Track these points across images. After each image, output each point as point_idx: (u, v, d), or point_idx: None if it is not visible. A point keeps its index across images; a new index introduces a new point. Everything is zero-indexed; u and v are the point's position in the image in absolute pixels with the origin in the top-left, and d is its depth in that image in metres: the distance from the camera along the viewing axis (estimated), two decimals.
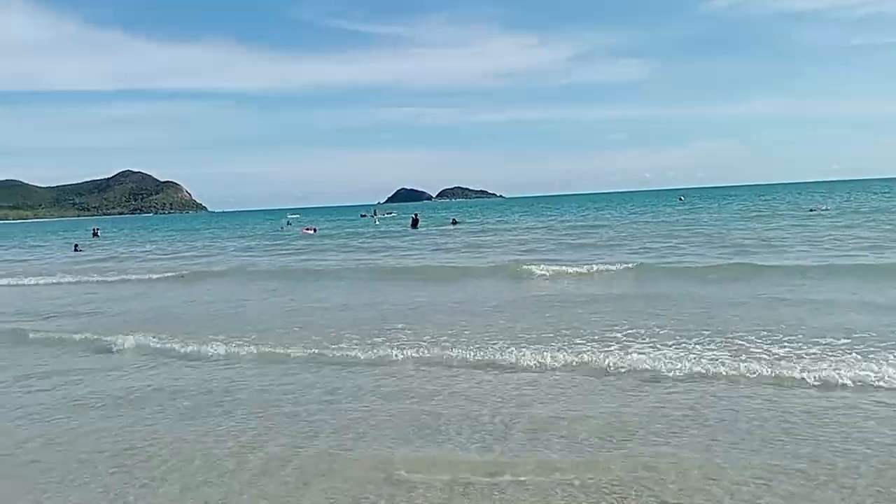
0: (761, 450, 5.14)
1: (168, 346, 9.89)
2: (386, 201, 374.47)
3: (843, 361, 7.09)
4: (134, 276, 21.30)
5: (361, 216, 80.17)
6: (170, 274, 21.34)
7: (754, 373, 7.01)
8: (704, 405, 6.23)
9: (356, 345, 9.20)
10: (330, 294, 15.31)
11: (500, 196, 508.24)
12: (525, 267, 17.37)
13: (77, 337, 10.92)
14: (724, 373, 7.11)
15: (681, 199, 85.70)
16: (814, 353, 7.53)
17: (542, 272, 16.73)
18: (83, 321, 13.10)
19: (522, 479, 4.85)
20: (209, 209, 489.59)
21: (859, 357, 7.21)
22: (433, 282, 16.83)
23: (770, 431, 5.51)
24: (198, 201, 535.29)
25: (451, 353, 8.43)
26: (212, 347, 9.52)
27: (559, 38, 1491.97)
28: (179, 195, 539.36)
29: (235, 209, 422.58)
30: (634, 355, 7.88)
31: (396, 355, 8.56)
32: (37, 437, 6.30)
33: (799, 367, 6.99)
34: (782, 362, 7.25)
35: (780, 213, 41.46)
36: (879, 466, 4.77)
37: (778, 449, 5.15)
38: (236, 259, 27.88)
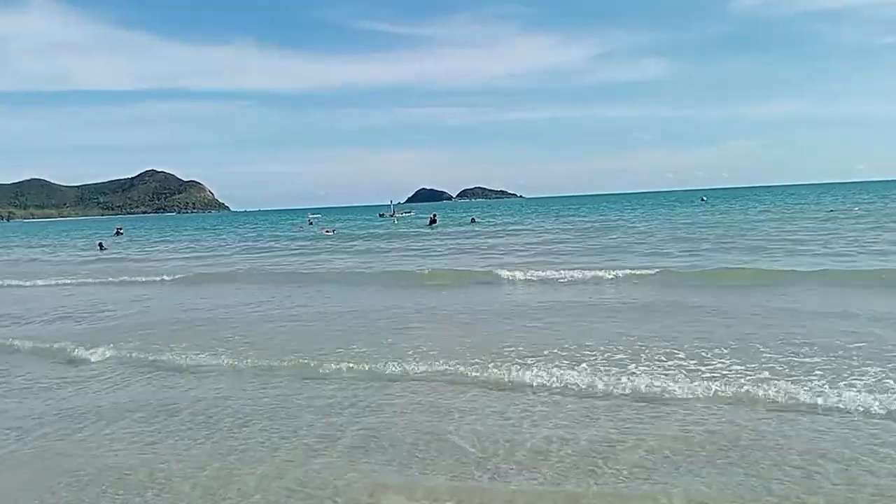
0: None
1: (137, 356, 9.63)
2: (406, 201, 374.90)
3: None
4: (143, 279, 21.21)
5: (380, 216, 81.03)
6: (180, 275, 21.25)
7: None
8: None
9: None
10: (311, 300, 14.94)
11: (521, 196, 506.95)
12: (526, 272, 17.12)
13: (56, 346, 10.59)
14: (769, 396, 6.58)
15: (703, 200, 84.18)
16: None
17: (546, 276, 16.54)
18: (58, 327, 12.90)
19: None
20: (232, 209, 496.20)
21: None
22: (435, 288, 16.44)
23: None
24: (220, 201, 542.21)
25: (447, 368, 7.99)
26: (185, 359, 9.22)
27: (582, 36, 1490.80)
28: (202, 195, 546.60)
29: (258, 209, 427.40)
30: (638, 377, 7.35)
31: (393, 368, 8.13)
32: None
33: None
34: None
35: (799, 215, 40.36)
36: None
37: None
38: (248, 262, 27.82)
